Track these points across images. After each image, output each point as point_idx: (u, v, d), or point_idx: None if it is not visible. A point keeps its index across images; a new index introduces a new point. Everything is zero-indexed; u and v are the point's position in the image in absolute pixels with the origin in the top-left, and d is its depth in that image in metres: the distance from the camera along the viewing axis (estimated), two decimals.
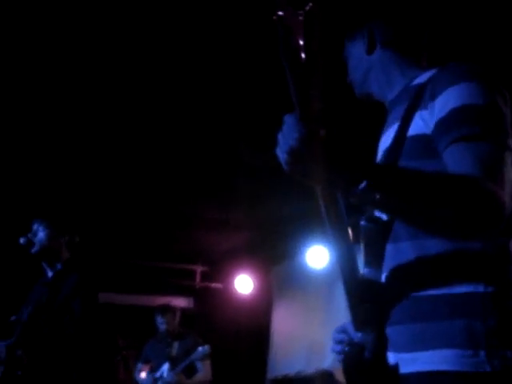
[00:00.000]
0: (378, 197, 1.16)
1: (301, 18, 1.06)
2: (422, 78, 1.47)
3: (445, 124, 1.31)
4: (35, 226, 3.40)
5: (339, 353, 1.48)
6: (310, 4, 1.05)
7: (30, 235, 3.38)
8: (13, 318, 3.35)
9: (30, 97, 4.01)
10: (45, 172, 5.06)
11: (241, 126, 4.32)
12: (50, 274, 3.42)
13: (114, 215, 6.11)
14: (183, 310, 6.26)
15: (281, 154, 1.17)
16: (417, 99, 1.41)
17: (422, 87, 1.42)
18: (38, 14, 3.10)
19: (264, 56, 3.41)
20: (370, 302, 1.34)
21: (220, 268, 7.73)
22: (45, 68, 3.71)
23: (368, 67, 1.61)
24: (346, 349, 1.26)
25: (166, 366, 5.47)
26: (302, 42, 1.06)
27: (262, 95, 3.87)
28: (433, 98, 1.36)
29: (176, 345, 5.56)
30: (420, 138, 1.37)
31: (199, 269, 7.89)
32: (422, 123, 1.37)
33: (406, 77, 1.56)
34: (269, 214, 6.05)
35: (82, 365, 3.17)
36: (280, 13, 1.06)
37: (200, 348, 5.38)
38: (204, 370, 5.47)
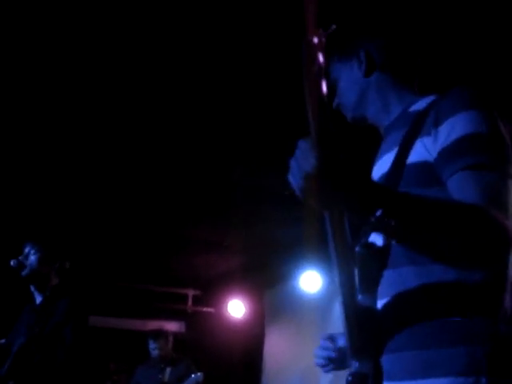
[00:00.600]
0: (392, 224, 1.13)
1: (323, 39, 1.06)
2: (420, 104, 1.46)
3: (450, 153, 1.30)
4: (27, 249, 3.38)
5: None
6: (334, 26, 1.04)
7: (21, 258, 3.35)
8: (2, 341, 3.30)
9: (25, 112, 4.00)
10: (38, 193, 5.03)
11: (236, 150, 4.32)
12: (38, 299, 3.38)
13: (105, 238, 6.07)
14: (175, 335, 6.20)
15: (294, 179, 1.13)
16: (417, 125, 1.39)
17: (422, 113, 1.40)
18: (38, 14, 3.07)
19: (261, 80, 3.43)
20: (369, 329, 1.30)
21: (212, 292, 7.68)
22: (37, 87, 3.71)
23: (364, 89, 1.58)
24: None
25: None
26: (322, 62, 1.05)
27: (258, 121, 3.87)
28: (436, 125, 1.34)
29: (168, 371, 5.48)
30: (421, 166, 1.35)
31: (191, 293, 7.85)
32: (423, 150, 1.35)
33: (403, 102, 1.54)
34: (262, 238, 6.02)
35: None
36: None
37: (193, 375, 5.30)
38: None
